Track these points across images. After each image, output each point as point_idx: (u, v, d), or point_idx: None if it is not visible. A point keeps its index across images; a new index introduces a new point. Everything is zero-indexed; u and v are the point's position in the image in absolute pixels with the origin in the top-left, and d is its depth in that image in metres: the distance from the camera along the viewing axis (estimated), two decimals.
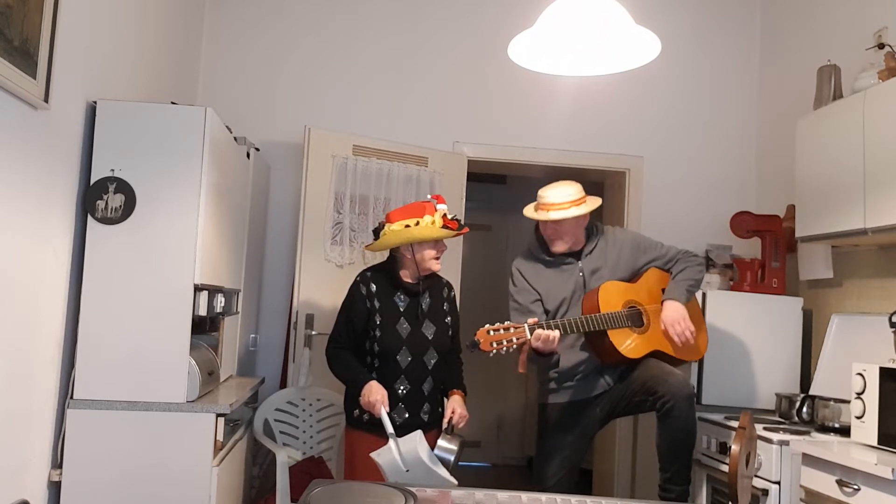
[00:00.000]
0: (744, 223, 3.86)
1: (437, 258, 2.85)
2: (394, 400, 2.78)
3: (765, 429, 3.00)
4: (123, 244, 2.69)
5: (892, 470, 2.23)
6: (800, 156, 3.43)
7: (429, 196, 4.05)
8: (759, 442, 2.86)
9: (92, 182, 2.68)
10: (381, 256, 3.15)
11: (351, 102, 4.40)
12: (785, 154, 4.11)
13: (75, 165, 2.64)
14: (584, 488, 4.61)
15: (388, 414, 2.66)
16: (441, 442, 2.62)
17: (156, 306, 2.70)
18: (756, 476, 2.91)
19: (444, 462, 2.56)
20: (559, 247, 2.98)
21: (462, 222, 2.88)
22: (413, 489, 1.95)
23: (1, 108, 2.09)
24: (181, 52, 3.93)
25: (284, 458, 3.26)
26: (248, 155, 3.67)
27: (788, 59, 4.29)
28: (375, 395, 2.67)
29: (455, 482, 2.42)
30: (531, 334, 2.65)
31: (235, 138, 3.43)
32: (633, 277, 3.05)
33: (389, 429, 2.57)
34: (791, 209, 3.81)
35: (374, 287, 2.87)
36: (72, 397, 2.63)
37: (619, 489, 4.42)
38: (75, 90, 2.59)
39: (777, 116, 4.38)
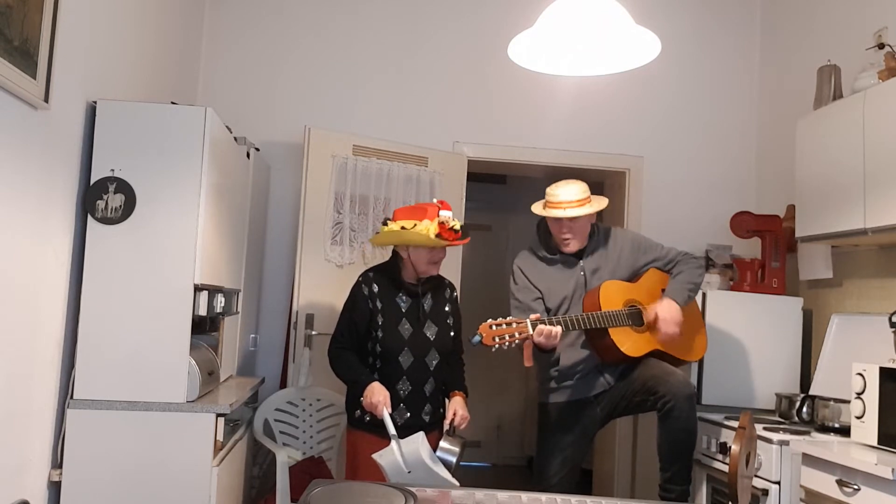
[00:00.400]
0: (744, 223, 3.86)
1: (434, 263, 2.83)
2: (395, 400, 2.78)
3: (765, 429, 3.00)
4: (123, 244, 2.68)
5: (892, 470, 2.23)
6: (800, 156, 3.43)
7: (434, 199, 4.06)
8: (759, 442, 2.86)
9: (92, 182, 2.68)
10: (384, 255, 3.14)
11: (351, 102, 4.40)
12: (785, 154, 4.11)
13: (75, 165, 2.64)
14: (585, 488, 4.61)
15: (390, 415, 2.67)
16: (443, 443, 2.63)
17: (156, 306, 2.70)
18: (756, 476, 2.91)
19: (446, 463, 2.57)
20: (573, 246, 2.96)
21: (464, 231, 2.83)
22: (413, 489, 1.95)
23: (1, 108, 2.09)
24: (181, 52, 3.93)
25: (284, 458, 3.26)
26: (248, 155, 3.67)
27: (788, 59, 4.29)
28: (378, 396, 2.67)
29: (456, 483, 2.42)
30: (533, 329, 2.65)
31: (235, 138, 3.42)
32: (633, 277, 3.05)
33: (391, 430, 2.57)
34: (791, 209, 3.81)
35: (375, 287, 2.87)
36: (72, 397, 2.63)
37: (619, 489, 4.42)
38: (75, 90, 2.59)
39: (777, 116, 4.38)
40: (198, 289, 2.76)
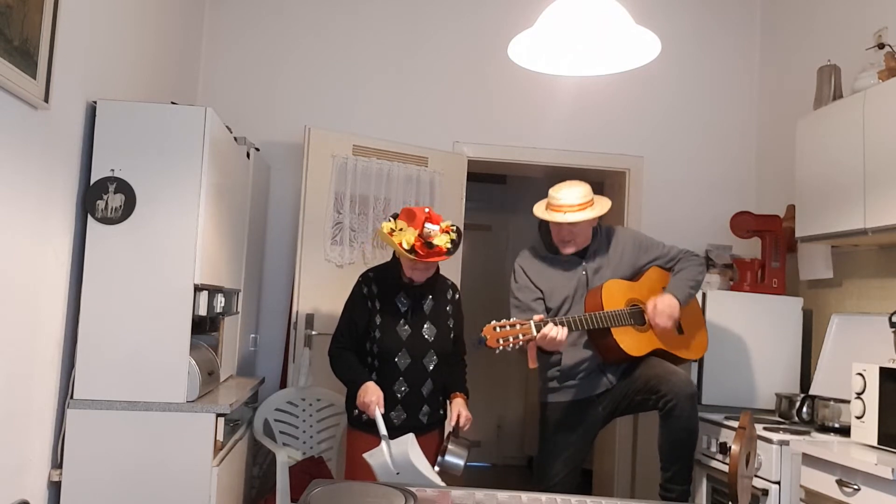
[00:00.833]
0: (744, 223, 3.86)
1: (418, 271, 2.78)
2: (392, 401, 2.78)
3: (765, 429, 3.00)
4: (123, 244, 2.68)
5: (892, 470, 2.23)
6: (800, 156, 3.43)
7: (435, 200, 4.04)
8: (759, 442, 2.86)
9: (92, 182, 2.68)
10: (384, 255, 3.14)
11: (351, 102, 4.40)
12: (785, 154, 4.11)
13: (75, 165, 2.64)
14: (585, 488, 4.61)
15: (387, 415, 2.67)
16: (451, 447, 2.65)
17: (156, 306, 2.70)
18: (756, 476, 2.91)
19: (454, 467, 2.59)
20: (570, 249, 2.96)
21: (453, 245, 2.73)
22: (413, 489, 1.95)
23: (1, 108, 2.09)
24: (181, 52, 3.93)
25: (284, 458, 3.26)
26: (248, 155, 3.67)
27: (788, 59, 4.29)
28: (370, 396, 2.67)
29: (443, 485, 2.42)
30: (537, 331, 2.64)
31: (235, 138, 3.42)
32: (635, 276, 3.05)
33: (382, 430, 2.57)
34: (791, 209, 3.81)
35: (375, 288, 2.87)
36: (72, 397, 2.63)
37: (619, 489, 4.42)
38: (75, 90, 2.59)
39: (777, 116, 4.38)
40: (198, 289, 2.76)
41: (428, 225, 2.68)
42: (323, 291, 3.87)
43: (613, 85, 4.47)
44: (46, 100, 2.28)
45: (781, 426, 3.10)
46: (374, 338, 2.82)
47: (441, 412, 2.93)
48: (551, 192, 2.93)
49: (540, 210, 2.96)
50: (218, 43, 4.36)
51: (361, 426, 2.81)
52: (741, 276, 3.81)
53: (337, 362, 2.85)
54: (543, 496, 2.03)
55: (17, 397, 2.31)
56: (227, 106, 4.13)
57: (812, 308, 3.75)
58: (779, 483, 2.86)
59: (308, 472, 3.36)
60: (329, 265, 3.94)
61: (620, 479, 4.44)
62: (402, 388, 2.80)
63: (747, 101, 4.64)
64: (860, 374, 2.70)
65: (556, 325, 2.67)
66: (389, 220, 2.76)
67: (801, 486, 2.71)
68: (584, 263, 3.00)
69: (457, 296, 3.01)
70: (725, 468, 3.03)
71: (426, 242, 2.67)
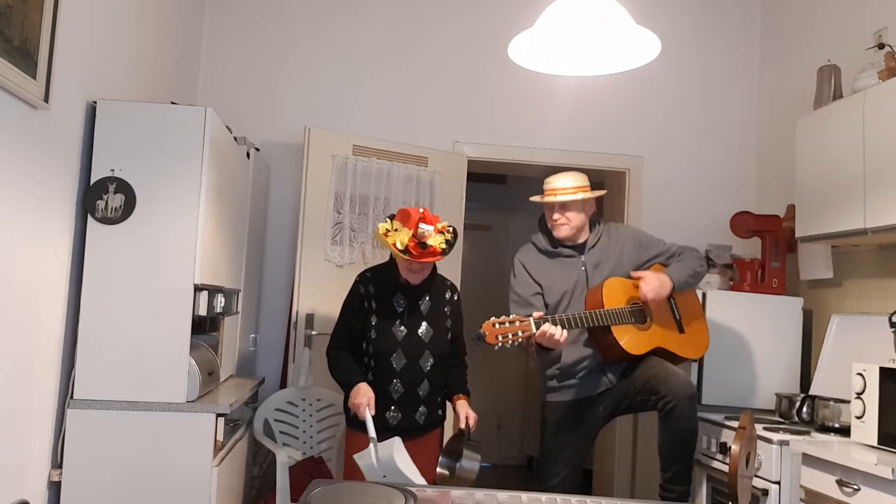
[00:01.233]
0: (744, 223, 3.86)
1: (412, 272, 2.78)
2: (388, 401, 2.78)
3: (765, 429, 3.00)
4: (123, 244, 2.68)
5: (892, 470, 2.23)
6: (800, 156, 3.43)
7: (435, 201, 4.03)
8: (759, 442, 2.86)
9: (92, 182, 2.68)
10: (384, 256, 3.14)
11: (351, 102, 4.40)
12: (785, 154, 4.11)
13: (75, 165, 2.64)
14: (585, 488, 4.61)
15: (382, 414, 2.69)
16: (466, 452, 2.67)
17: (156, 306, 2.70)
18: (756, 476, 2.91)
19: (470, 471, 2.62)
20: (564, 232, 2.97)
21: (449, 245, 2.73)
22: (413, 489, 1.95)
23: (1, 108, 2.09)
24: (181, 52, 3.93)
25: (284, 458, 3.26)
26: (248, 155, 3.67)
27: (788, 59, 4.29)
28: (361, 397, 2.68)
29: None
30: (537, 329, 2.64)
31: (235, 138, 3.42)
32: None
33: (371, 432, 2.58)
34: (791, 209, 3.81)
35: (372, 287, 2.87)
36: (72, 397, 2.63)
37: (619, 489, 4.42)
38: (75, 90, 2.59)
39: (777, 116, 4.38)
40: (198, 289, 2.76)
41: (422, 225, 2.69)
42: (323, 291, 3.87)
43: (613, 85, 4.47)
44: (46, 100, 2.28)
45: (781, 426, 3.10)
46: (369, 338, 2.82)
47: (440, 413, 2.93)
48: (546, 179, 3.02)
49: (536, 197, 3.03)
50: (218, 43, 4.36)
51: (358, 426, 2.80)
52: (741, 276, 3.81)
53: (333, 363, 2.85)
54: (543, 496, 2.03)
55: (17, 397, 2.31)
56: (227, 106, 4.13)
57: (812, 308, 3.75)
58: (779, 483, 2.86)
59: (308, 472, 3.36)
60: (329, 265, 3.94)
61: (620, 479, 4.44)
62: (398, 389, 2.80)
63: (747, 101, 4.64)
64: (860, 374, 2.70)
65: (555, 322, 2.67)
66: (386, 221, 2.77)
67: (801, 486, 2.71)
68: (582, 258, 3.00)
69: (455, 296, 3.01)
70: (725, 468, 3.03)
71: (420, 243, 2.67)
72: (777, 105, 4.40)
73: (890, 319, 2.82)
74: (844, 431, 2.88)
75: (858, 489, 2.40)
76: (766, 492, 2.87)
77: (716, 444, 3.23)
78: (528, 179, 5.76)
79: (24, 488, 2.39)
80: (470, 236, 4.94)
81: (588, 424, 2.98)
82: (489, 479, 5.89)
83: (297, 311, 3.84)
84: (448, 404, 2.96)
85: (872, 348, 3.13)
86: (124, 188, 2.68)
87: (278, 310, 4.28)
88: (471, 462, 2.64)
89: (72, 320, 2.66)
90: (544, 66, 2.44)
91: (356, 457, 2.52)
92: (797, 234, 3.43)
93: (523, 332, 2.62)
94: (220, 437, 2.79)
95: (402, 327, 2.82)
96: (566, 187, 2.96)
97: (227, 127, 3.17)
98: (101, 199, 2.67)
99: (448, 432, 2.98)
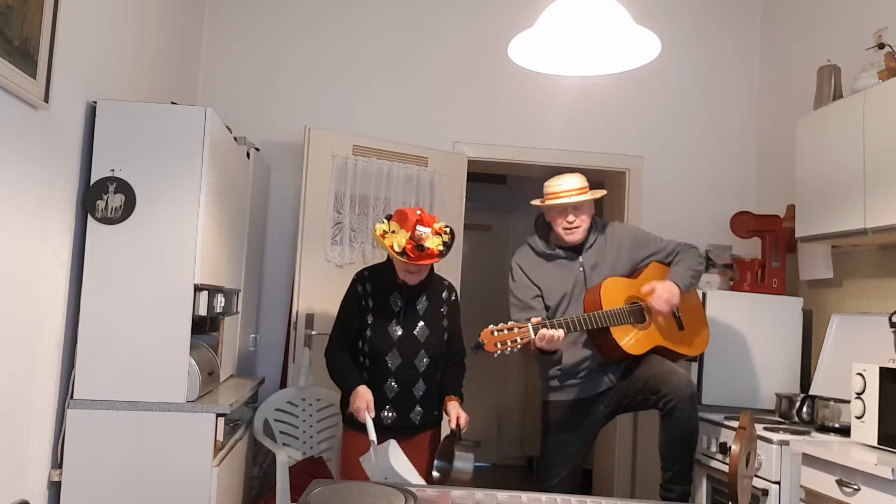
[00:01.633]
0: (744, 223, 3.86)
1: (410, 273, 2.78)
2: (383, 400, 2.79)
3: (765, 429, 3.00)
4: (123, 244, 2.68)
5: (892, 470, 2.23)
6: (800, 156, 3.43)
7: (434, 201, 4.02)
8: (759, 442, 2.86)
9: (92, 182, 2.68)
10: (384, 255, 3.14)
11: (351, 102, 4.40)
12: (785, 154, 4.11)
13: (75, 165, 2.64)
14: (585, 488, 4.61)
15: (378, 414, 2.70)
16: (458, 452, 2.66)
17: (156, 306, 2.70)
18: (756, 476, 2.91)
19: (464, 471, 2.61)
20: (578, 235, 2.94)
21: (446, 247, 2.73)
22: (413, 489, 1.95)
23: (1, 108, 2.09)
24: (181, 52, 3.93)
25: (284, 458, 3.26)
26: (248, 155, 3.67)
27: (788, 59, 4.29)
28: (359, 401, 2.69)
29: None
30: (535, 334, 2.64)
31: (235, 138, 3.42)
32: (634, 273, 3.05)
33: (371, 435, 2.59)
34: (791, 209, 3.81)
35: (369, 287, 2.87)
36: (72, 397, 2.63)
37: (619, 489, 4.42)
38: (75, 90, 2.59)
39: (777, 116, 4.38)
40: (198, 289, 2.76)
41: (419, 227, 2.68)
42: (323, 291, 3.87)
43: (613, 85, 4.47)
44: (46, 100, 2.28)
45: (781, 426, 3.10)
46: (365, 337, 2.83)
47: (436, 413, 2.92)
48: (548, 183, 2.96)
49: (539, 202, 2.99)
50: (218, 43, 4.36)
51: (355, 426, 2.81)
52: (741, 276, 3.81)
53: (331, 365, 2.86)
54: (543, 496, 2.03)
55: (17, 397, 2.31)
56: (227, 106, 4.12)
57: (812, 308, 3.75)
58: (779, 483, 2.86)
59: (308, 472, 3.36)
60: (329, 265, 3.94)
61: (620, 479, 4.44)
62: (393, 388, 2.80)
63: (747, 101, 4.64)
64: (860, 374, 2.70)
65: (553, 326, 2.67)
66: (383, 222, 2.76)
67: (801, 486, 2.71)
68: (581, 259, 3.00)
69: (453, 297, 3.00)
70: (725, 468, 3.03)
71: (417, 245, 2.67)
72: (777, 105, 4.40)
73: (890, 319, 2.82)
74: (844, 431, 2.88)
75: (858, 489, 2.40)
76: (766, 492, 2.87)
77: (716, 444, 3.23)
78: (528, 179, 5.77)
79: (24, 488, 2.39)
80: (470, 236, 4.94)
81: (589, 424, 2.98)
82: (489, 479, 5.89)
83: (297, 311, 3.84)
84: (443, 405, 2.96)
85: (872, 348, 3.13)
86: (124, 188, 2.68)
87: (278, 310, 4.28)
88: (464, 462, 2.64)
89: (72, 320, 2.66)
90: (544, 66, 2.44)
91: (362, 459, 2.53)
92: (797, 234, 3.43)
93: (522, 339, 2.63)
94: (220, 437, 2.79)
95: (398, 327, 2.82)
96: (576, 188, 2.91)
97: (227, 127, 3.17)
98: (101, 199, 2.67)
99: (444, 433, 2.98)
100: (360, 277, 2.91)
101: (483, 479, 5.87)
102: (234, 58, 4.36)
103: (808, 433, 2.98)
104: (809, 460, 2.66)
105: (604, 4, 2.16)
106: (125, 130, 2.71)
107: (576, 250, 3.01)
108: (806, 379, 3.62)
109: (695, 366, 3.56)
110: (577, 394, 2.97)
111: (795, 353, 3.64)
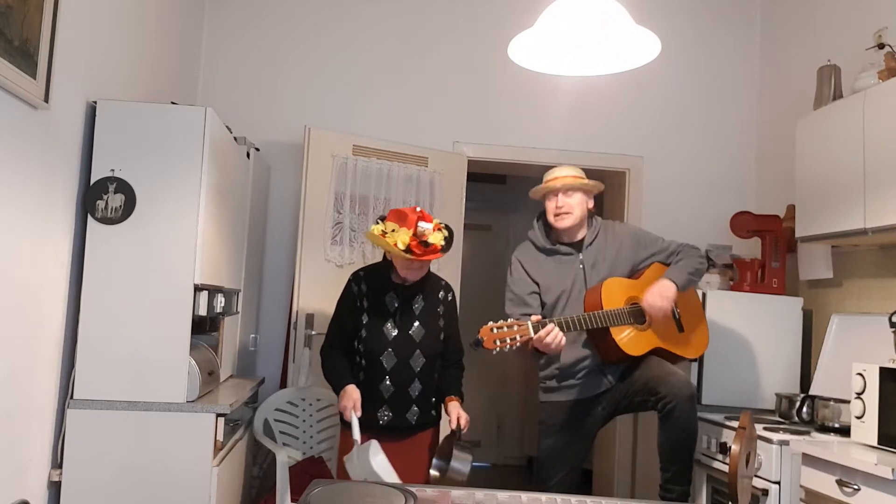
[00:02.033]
0: (744, 223, 3.86)
1: (412, 270, 2.78)
2: (379, 400, 2.79)
3: (765, 429, 3.00)
4: (123, 244, 2.68)
5: (892, 470, 2.23)
6: (800, 156, 3.43)
7: (433, 201, 4.02)
8: (759, 442, 2.86)
9: (92, 182, 2.68)
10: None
11: (351, 102, 4.40)
12: (785, 154, 4.11)
13: (75, 165, 2.64)
14: (585, 488, 4.61)
15: (373, 414, 2.71)
16: (457, 452, 2.67)
17: (156, 306, 2.70)
18: (756, 476, 2.91)
19: (461, 471, 2.62)
20: (567, 221, 2.94)
21: (447, 243, 2.74)
22: (413, 489, 1.95)
23: (1, 108, 2.09)
24: (181, 52, 3.93)
25: (284, 458, 3.26)
26: (248, 155, 3.67)
27: (788, 59, 4.29)
28: (346, 400, 2.69)
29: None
30: (535, 332, 2.64)
31: (235, 138, 3.42)
32: (635, 273, 3.04)
33: (355, 434, 2.60)
34: (791, 209, 3.81)
35: (365, 287, 2.87)
36: (72, 397, 2.63)
37: (619, 489, 4.42)
38: (75, 90, 2.59)
39: (777, 116, 4.38)
40: (198, 289, 2.76)
41: (422, 223, 2.69)
42: (323, 291, 3.87)
43: (613, 85, 4.47)
44: (46, 100, 2.28)
45: (781, 426, 3.10)
46: (360, 337, 2.83)
47: (433, 413, 2.92)
48: (545, 174, 3.02)
49: (536, 192, 3.02)
50: (218, 43, 4.36)
51: (349, 426, 2.81)
52: (741, 276, 3.81)
53: (325, 364, 2.86)
54: (543, 496, 2.03)
55: (17, 397, 2.31)
56: (227, 106, 4.12)
57: (812, 308, 3.75)
58: (779, 483, 2.86)
59: (308, 472, 3.36)
60: (329, 265, 3.94)
61: (620, 479, 4.44)
62: (389, 388, 2.80)
63: (747, 101, 4.64)
64: (860, 374, 2.70)
65: (554, 326, 2.66)
66: (377, 223, 2.76)
67: (801, 486, 2.71)
68: (580, 257, 3.00)
69: (450, 296, 2.99)
70: (725, 468, 3.03)
71: (422, 241, 2.67)
72: (777, 105, 4.40)
73: (890, 319, 2.82)
74: (844, 431, 2.88)
75: (858, 489, 2.40)
76: (766, 492, 2.87)
77: (716, 444, 3.23)
78: (528, 179, 5.74)
79: (24, 488, 2.39)
80: (470, 236, 4.94)
81: (587, 425, 2.97)
82: (489, 479, 5.90)
83: (297, 311, 3.84)
84: (443, 405, 2.96)
85: (872, 348, 3.13)
86: (124, 188, 2.68)
87: (278, 310, 4.28)
88: (461, 463, 2.64)
89: (72, 320, 2.66)
90: (544, 66, 2.44)
91: (346, 458, 2.54)
92: (797, 234, 3.43)
93: (521, 337, 2.62)
94: (220, 437, 2.79)
95: (394, 327, 2.82)
96: (568, 175, 2.98)
97: (227, 127, 3.17)
98: (101, 199, 2.67)
99: (444, 433, 2.98)
100: (355, 277, 2.91)
101: (483, 479, 5.87)
102: (234, 58, 4.36)
103: (808, 433, 2.98)
104: (809, 460, 2.66)
105: (604, 4, 2.17)
106: (125, 130, 2.71)
107: (576, 247, 3.00)
108: (806, 379, 3.62)
109: (695, 366, 3.56)
110: (575, 395, 2.97)
111: (795, 353, 3.64)
